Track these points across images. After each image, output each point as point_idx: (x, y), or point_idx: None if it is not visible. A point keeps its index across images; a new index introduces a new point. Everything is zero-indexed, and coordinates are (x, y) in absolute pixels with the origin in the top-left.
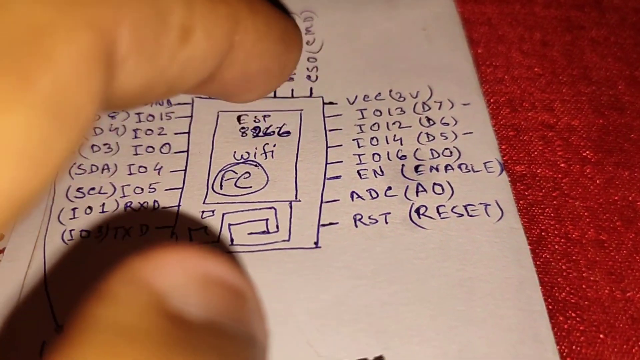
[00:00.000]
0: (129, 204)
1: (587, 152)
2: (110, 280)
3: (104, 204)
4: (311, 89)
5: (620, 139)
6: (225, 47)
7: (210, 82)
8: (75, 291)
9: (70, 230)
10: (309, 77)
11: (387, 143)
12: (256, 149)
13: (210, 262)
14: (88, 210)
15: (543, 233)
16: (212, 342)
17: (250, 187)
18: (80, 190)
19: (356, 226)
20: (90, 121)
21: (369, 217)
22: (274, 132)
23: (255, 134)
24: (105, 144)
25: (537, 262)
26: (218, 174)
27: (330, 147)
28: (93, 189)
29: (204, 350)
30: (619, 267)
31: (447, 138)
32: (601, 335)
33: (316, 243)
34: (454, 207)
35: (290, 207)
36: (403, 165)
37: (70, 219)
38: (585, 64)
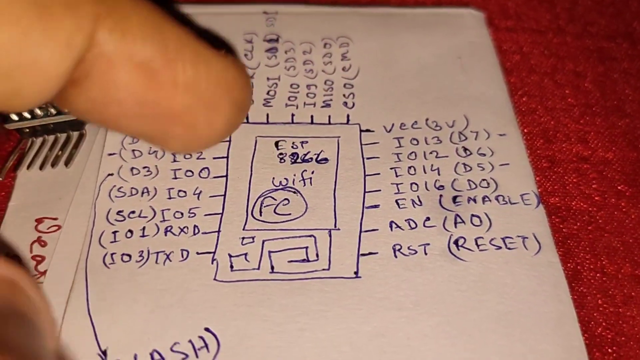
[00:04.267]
0: (169, 228)
1: (622, 185)
2: None
3: (144, 228)
4: (348, 115)
5: None
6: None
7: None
8: (118, 315)
9: (112, 254)
10: (345, 103)
11: (425, 172)
12: (294, 175)
13: None
14: (129, 234)
15: (579, 267)
16: None
17: (290, 214)
18: (121, 214)
19: (396, 257)
20: None
21: (408, 248)
22: (311, 158)
23: (293, 160)
24: (144, 167)
25: (574, 297)
26: (257, 200)
27: (368, 175)
28: (133, 212)
29: None
30: None
31: (483, 169)
32: None
33: (356, 273)
34: (492, 239)
35: (330, 236)
36: (441, 195)
37: (111, 242)
38: (618, 96)
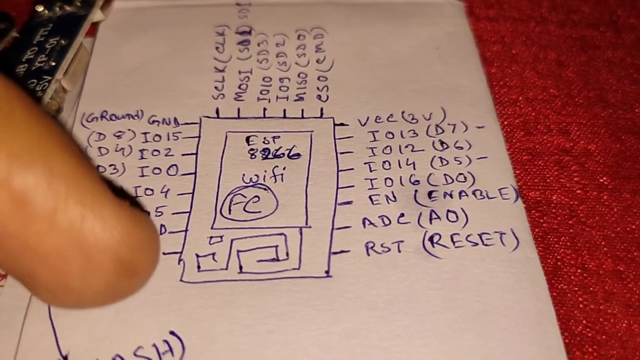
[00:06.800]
0: None
1: (604, 178)
2: None
3: None
4: (322, 109)
5: (638, 165)
6: None
7: None
8: (80, 319)
9: None
10: (319, 96)
11: (400, 167)
12: (265, 171)
13: None
14: None
15: (559, 263)
16: None
17: (260, 211)
18: None
19: (368, 254)
20: None
21: (382, 245)
22: (283, 154)
23: (264, 156)
24: (110, 165)
25: (553, 294)
26: (226, 197)
27: (341, 170)
28: None
29: None
30: (637, 299)
31: (461, 163)
32: None
33: (327, 272)
34: (468, 235)
35: (301, 234)
36: (416, 190)
37: None
38: (601, 86)
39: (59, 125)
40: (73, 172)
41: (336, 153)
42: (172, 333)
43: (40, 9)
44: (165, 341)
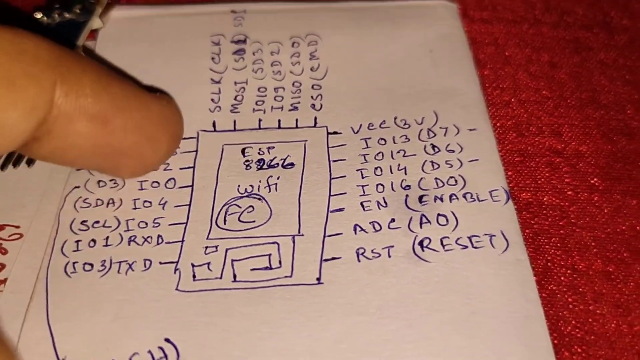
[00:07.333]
0: (132, 238)
1: (595, 179)
2: None
3: (107, 238)
4: (315, 118)
5: (629, 166)
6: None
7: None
8: (77, 325)
9: (74, 263)
10: (313, 105)
11: (391, 173)
12: (260, 181)
13: None
14: (92, 243)
15: (549, 264)
16: None
17: (254, 221)
18: (85, 223)
19: (359, 261)
20: None
21: (372, 251)
22: (278, 164)
23: (259, 167)
24: (111, 180)
25: (543, 294)
26: (222, 208)
27: (334, 178)
28: (97, 222)
29: None
30: (626, 300)
31: (452, 166)
32: None
33: (319, 279)
34: (458, 238)
35: (293, 242)
36: (407, 195)
37: (74, 251)
38: (593, 87)
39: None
40: (123, 90)
41: (329, 161)
42: (167, 340)
43: (38, 15)
44: (161, 348)
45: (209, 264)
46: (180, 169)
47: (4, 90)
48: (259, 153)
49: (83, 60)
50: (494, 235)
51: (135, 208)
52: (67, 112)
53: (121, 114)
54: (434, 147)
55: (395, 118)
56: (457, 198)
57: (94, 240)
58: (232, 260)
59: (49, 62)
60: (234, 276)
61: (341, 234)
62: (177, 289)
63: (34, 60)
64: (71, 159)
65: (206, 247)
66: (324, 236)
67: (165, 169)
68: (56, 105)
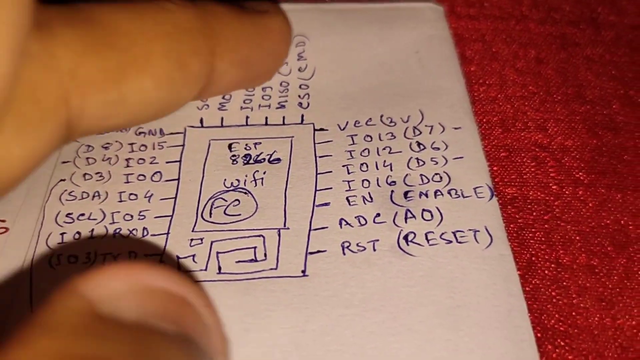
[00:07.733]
0: (118, 231)
1: (580, 173)
2: (53, 294)
3: (93, 230)
4: (302, 115)
5: (614, 160)
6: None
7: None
8: None
9: (58, 255)
10: (300, 104)
11: (377, 169)
12: (246, 176)
13: (153, 276)
14: (77, 236)
15: (533, 258)
16: (135, 335)
17: (240, 214)
18: (70, 216)
19: (344, 254)
20: None
21: (357, 245)
22: (264, 159)
23: (245, 162)
24: (97, 173)
25: (527, 288)
26: (208, 201)
27: (320, 173)
28: (82, 214)
29: (121, 340)
30: (610, 293)
31: (437, 163)
32: None
33: (304, 271)
34: (442, 233)
35: (279, 235)
36: (392, 191)
37: (59, 243)
38: (579, 82)
39: None
40: (252, 34)
41: (315, 157)
42: None
43: None
44: None
45: (194, 256)
46: (167, 162)
47: (179, 73)
48: (245, 148)
49: (216, 9)
50: (478, 231)
51: (120, 201)
52: (221, 70)
53: (258, 51)
54: (419, 144)
55: (381, 116)
56: (442, 194)
57: (79, 233)
58: (217, 253)
59: (204, 32)
60: (219, 268)
61: (327, 227)
62: None
63: (194, 36)
64: (216, 92)
65: (191, 240)
66: (310, 230)
67: (151, 163)
68: (215, 69)
